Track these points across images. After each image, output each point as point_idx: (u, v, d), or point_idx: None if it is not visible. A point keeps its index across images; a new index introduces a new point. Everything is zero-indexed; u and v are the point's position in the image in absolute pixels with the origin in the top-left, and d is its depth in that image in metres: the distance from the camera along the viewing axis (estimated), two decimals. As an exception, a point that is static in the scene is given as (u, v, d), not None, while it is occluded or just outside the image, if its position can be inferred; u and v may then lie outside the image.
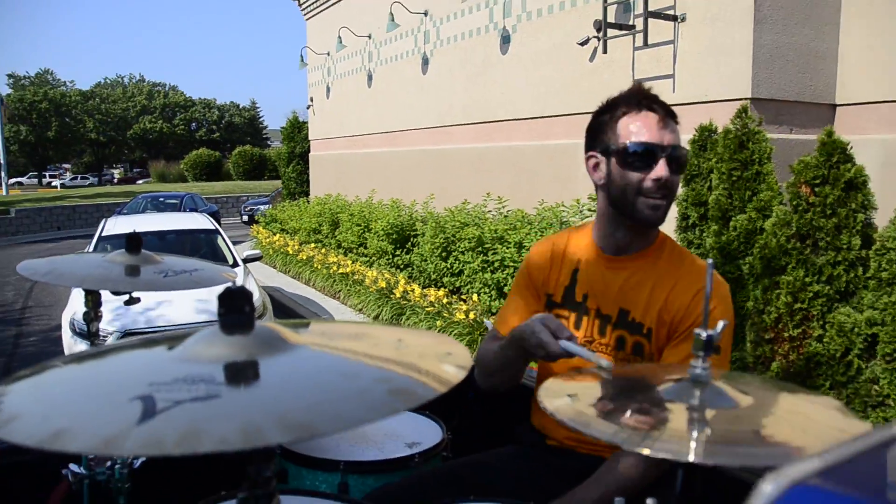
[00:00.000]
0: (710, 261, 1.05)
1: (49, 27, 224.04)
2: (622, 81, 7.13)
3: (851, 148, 4.36)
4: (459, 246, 8.21)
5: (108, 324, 5.65)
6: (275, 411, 0.67)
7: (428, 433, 1.97)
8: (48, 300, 10.94)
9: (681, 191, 5.02)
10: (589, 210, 6.95)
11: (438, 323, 7.40)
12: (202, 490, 1.33)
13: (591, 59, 7.53)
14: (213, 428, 0.62)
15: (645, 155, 1.58)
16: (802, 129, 6.41)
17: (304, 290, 11.15)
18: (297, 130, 18.26)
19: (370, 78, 13.07)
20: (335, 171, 14.98)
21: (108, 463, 1.65)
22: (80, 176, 58.61)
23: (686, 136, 4.90)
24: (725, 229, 4.84)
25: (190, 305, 5.94)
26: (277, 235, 14.34)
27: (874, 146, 5.99)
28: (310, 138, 16.80)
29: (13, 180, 48.86)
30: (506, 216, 8.16)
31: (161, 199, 19.08)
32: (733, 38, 6.04)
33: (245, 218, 23.24)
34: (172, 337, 0.84)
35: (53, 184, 54.26)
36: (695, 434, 0.87)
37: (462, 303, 7.56)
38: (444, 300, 7.68)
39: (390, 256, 10.08)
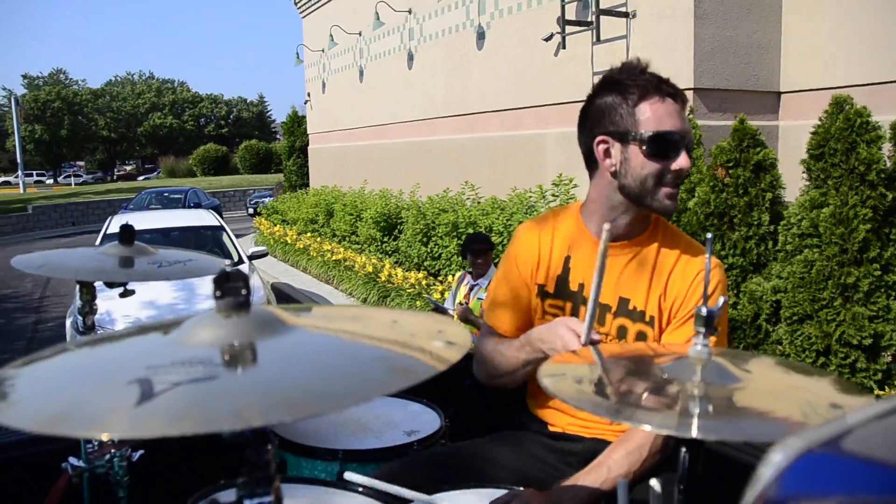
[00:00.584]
0: (709, 235, 1.06)
1: (61, 27, 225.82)
2: (583, 74, 7.64)
3: (760, 133, 4.85)
4: (438, 231, 8.75)
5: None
6: (274, 391, 0.66)
7: (426, 421, 1.97)
8: (64, 290, 11.62)
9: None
10: (553, 195, 7.46)
11: (418, 303, 7.97)
12: (201, 481, 1.35)
13: (556, 53, 8.02)
14: (212, 408, 0.62)
15: (672, 144, 1.54)
16: (748, 115, 6.88)
17: (301, 277, 11.76)
18: (296, 125, 18.86)
19: (361, 74, 13.60)
20: (332, 163, 15.54)
21: (107, 456, 1.64)
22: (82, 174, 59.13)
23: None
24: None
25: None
26: (278, 226, 14.94)
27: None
28: (308, 132, 17.37)
29: (32, 178, 49.95)
30: (479, 203, 8.69)
31: (165, 195, 19.66)
32: (677, 33, 6.52)
33: (251, 211, 23.86)
34: (169, 322, 0.84)
35: (48, 182, 55.16)
36: (697, 410, 0.86)
37: (439, 284, 8.12)
38: (424, 282, 8.24)
39: (379, 243, 10.64)
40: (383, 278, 9.04)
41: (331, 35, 13.59)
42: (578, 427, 1.70)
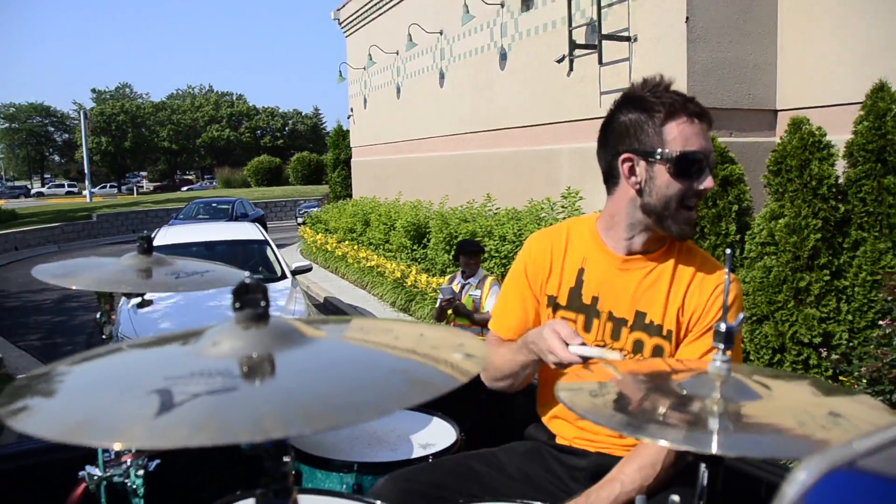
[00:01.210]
0: (728, 251, 1.05)
1: (128, 42, 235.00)
2: (591, 94, 8.19)
3: (728, 150, 5.34)
4: (460, 239, 9.38)
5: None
6: (293, 402, 0.67)
7: (441, 434, 1.98)
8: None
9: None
10: (562, 207, 8.02)
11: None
12: (218, 491, 1.33)
13: (568, 74, 8.59)
14: (231, 420, 0.63)
15: (698, 164, 1.54)
16: (743, 132, 7.33)
17: (339, 283, 12.53)
18: (341, 138, 19.78)
19: (398, 91, 14.36)
20: (372, 175, 16.35)
21: (124, 465, 1.66)
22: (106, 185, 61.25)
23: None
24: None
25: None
26: (320, 234, 15.79)
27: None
28: (351, 145, 18.24)
29: (98, 189, 52.67)
30: (496, 213, 9.29)
31: (213, 205, 20.54)
32: (671, 55, 7.02)
33: (300, 220, 24.90)
34: (189, 333, 0.85)
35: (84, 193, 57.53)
36: (716, 426, 0.85)
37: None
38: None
39: (409, 250, 11.32)
40: (409, 283, 9.72)
41: (369, 55, 14.39)
42: (585, 441, 1.70)
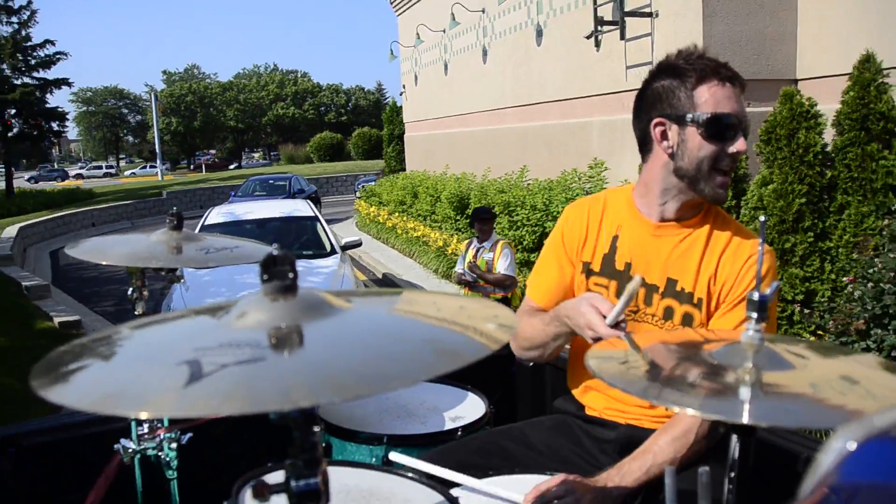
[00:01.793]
0: (762, 218, 1.06)
1: (197, 24, 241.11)
2: (618, 69, 8.58)
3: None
4: (496, 210, 9.92)
5: None
6: (320, 372, 0.67)
7: (471, 407, 1.97)
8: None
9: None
10: (589, 178, 8.47)
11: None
12: (249, 465, 1.38)
13: (597, 49, 8.98)
14: (259, 389, 0.63)
15: (730, 127, 1.54)
16: (762, 103, 7.61)
17: (389, 252, 13.28)
18: (395, 114, 20.48)
19: (446, 67, 14.90)
20: (423, 149, 16.98)
21: (158, 438, 1.70)
22: (148, 165, 62.43)
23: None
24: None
25: None
26: (374, 207, 16.56)
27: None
28: (404, 121, 18.90)
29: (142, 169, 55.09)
30: (528, 185, 9.79)
31: (270, 182, 21.37)
32: (689, 30, 7.35)
33: (358, 194, 25.82)
34: (218, 305, 0.84)
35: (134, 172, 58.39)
36: (748, 396, 0.84)
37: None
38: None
39: (453, 221, 11.93)
40: (451, 251, 10.34)
41: (417, 34, 14.94)
42: (615, 411, 1.69)
